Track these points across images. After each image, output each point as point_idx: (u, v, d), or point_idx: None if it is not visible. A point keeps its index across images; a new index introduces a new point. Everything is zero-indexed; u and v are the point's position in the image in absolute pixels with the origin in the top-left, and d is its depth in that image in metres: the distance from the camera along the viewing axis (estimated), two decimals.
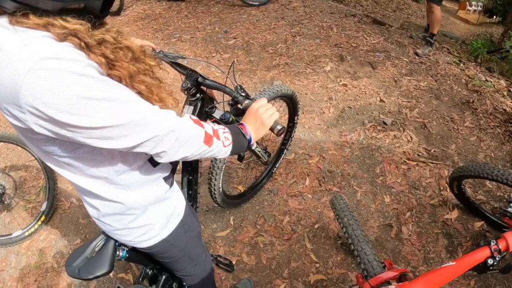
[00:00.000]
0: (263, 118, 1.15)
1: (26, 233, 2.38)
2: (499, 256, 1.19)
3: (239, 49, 4.17)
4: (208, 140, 0.93)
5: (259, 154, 1.67)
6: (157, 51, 1.58)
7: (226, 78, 1.55)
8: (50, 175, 2.43)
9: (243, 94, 1.46)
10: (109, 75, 0.73)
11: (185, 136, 0.85)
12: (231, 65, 1.63)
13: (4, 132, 2.43)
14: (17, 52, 0.61)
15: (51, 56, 0.62)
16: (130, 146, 0.76)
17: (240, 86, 1.50)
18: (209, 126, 0.97)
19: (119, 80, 0.76)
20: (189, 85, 1.47)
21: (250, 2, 5.42)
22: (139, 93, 0.81)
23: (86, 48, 0.70)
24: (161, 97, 0.87)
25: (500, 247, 1.19)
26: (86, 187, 0.88)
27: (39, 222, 2.41)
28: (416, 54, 4.04)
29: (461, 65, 4.12)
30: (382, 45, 4.17)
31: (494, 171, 1.84)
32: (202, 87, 1.51)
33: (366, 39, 4.29)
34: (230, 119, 1.41)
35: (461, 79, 3.74)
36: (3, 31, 0.64)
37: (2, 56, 0.62)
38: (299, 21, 4.85)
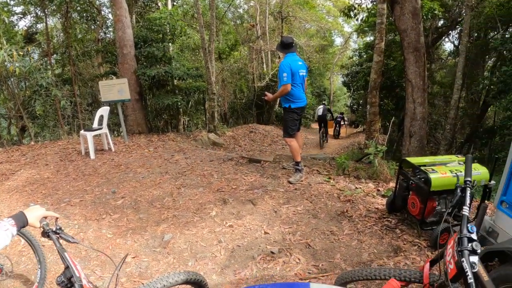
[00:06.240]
0: None
1: None
2: None
3: (128, 208, 4.10)
4: None
5: None
6: (57, 227, 1.48)
7: (116, 274, 1.52)
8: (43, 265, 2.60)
9: None
10: None
11: None
12: (123, 258, 1.64)
13: None
14: None
15: None
16: None
17: None
18: None
19: None
20: (64, 281, 1.40)
21: None
22: None
23: None
24: None
25: None
26: None
27: None
28: (290, 182, 4.45)
29: (331, 181, 4.63)
30: (259, 181, 4.54)
31: (363, 272, 1.93)
32: None
33: (244, 179, 4.65)
34: None
35: (333, 194, 4.16)
36: None
37: None
38: (182, 173, 5.11)
